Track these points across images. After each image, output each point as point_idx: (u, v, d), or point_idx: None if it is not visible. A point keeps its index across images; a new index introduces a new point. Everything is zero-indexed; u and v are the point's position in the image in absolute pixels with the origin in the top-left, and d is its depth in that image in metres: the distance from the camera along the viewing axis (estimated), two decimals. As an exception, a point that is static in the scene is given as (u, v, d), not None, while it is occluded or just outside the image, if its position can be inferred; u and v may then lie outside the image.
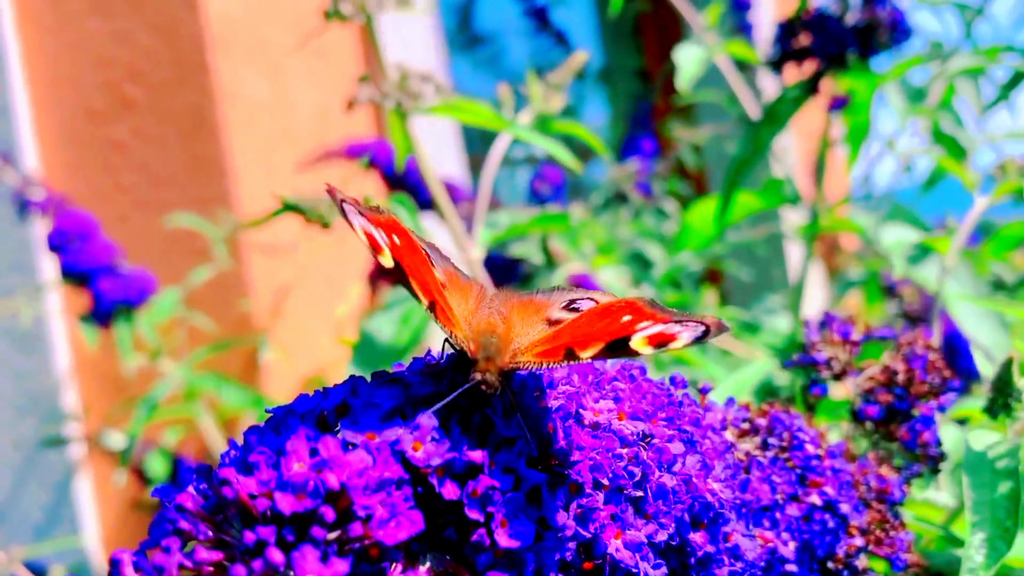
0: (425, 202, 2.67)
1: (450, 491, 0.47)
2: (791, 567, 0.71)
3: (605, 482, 0.54)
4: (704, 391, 0.82)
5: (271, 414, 0.50)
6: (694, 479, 0.60)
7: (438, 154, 2.99)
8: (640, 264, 2.99)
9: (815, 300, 3.18)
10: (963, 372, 1.67)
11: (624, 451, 0.57)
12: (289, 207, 1.38)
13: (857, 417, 0.90)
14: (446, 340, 0.54)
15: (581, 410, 0.57)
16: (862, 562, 0.80)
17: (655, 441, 0.59)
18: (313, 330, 2.81)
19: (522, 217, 1.76)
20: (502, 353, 0.52)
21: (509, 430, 0.50)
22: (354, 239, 0.58)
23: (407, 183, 2.72)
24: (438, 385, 0.51)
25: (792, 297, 2.10)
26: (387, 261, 0.54)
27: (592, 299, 0.58)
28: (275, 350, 2.64)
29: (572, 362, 0.51)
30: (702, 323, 0.50)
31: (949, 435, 1.19)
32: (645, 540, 0.55)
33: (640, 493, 0.57)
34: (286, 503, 0.42)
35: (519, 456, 0.50)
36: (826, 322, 0.96)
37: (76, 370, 2.72)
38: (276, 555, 0.40)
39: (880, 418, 0.89)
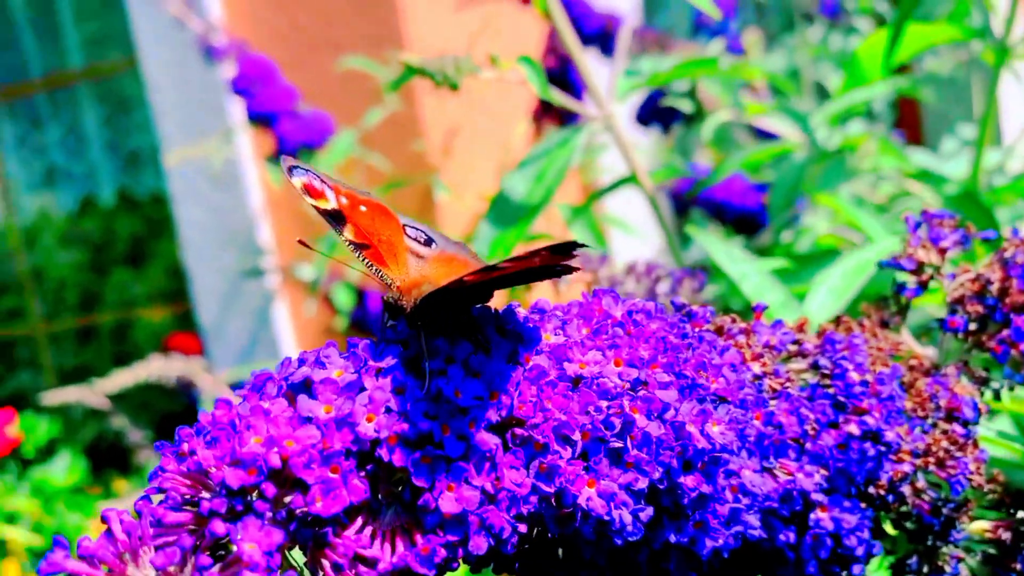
0: (587, 36, 2.59)
1: (399, 458, 0.51)
2: (817, 496, 0.71)
3: (575, 437, 0.56)
4: (757, 309, 0.80)
5: (253, 378, 0.55)
6: (688, 426, 0.60)
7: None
8: (821, 98, 2.80)
9: (1017, 126, 2.87)
10: None
11: (605, 404, 0.58)
12: (415, 72, 1.39)
13: (943, 327, 0.85)
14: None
15: (566, 363, 0.59)
16: (919, 483, 0.78)
17: (644, 391, 0.60)
18: (481, 167, 2.87)
19: (664, 64, 1.69)
20: (421, 285, 0.58)
21: (464, 398, 0.53)
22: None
23: (569, 15, 2.64)
24: (399, 355, 0.54)
25: (979, 134, 1.91)
26: (326, 205, 0.63)
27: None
28: (446, 188, 2.72)
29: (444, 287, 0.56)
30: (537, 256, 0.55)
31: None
32: (619, 490, 0.57)
33: (621, 444, 0.58)
34: (235, 478, 0.47)
35: (473, 423, 0.52)
36: (924, 221, 0.89)
37: (268, 207, 2.93)
38: (219, 527, 0.46)
39: (966, 329, 0.84)
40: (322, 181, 0.64)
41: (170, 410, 3.71)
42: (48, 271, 4.23)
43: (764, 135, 2.58)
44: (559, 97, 1.45)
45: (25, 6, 3.86)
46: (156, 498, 0.53)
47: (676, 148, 3.26)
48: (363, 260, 0.62)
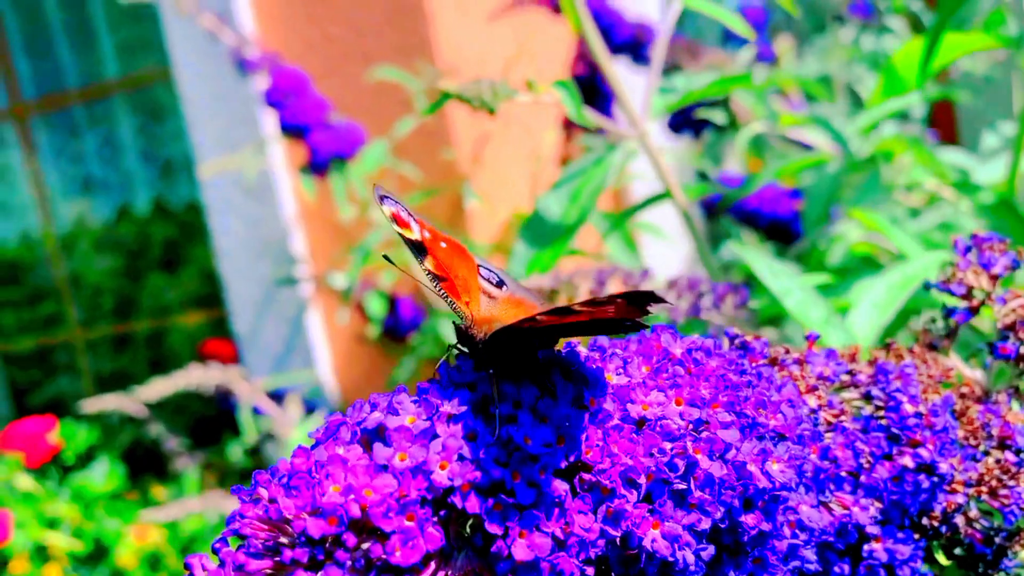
0: (618, 45, 2.59)
1: (472, 505, 0.52)
2: (872, 529, 0.71)
3: (641, 480, 0.57)
4: (811, 338, 0.80)
5: (327, 422, 0.56)
6: (749, 465, 0.61)
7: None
8: (854, 102, 2.79)
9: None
10: None
11: (669, 446, 0.59)
12: (451, 97, 1.40)
13: (994, 354, 0.85)
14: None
15: (630, 404, 0.60)
16: (971, 512, 0.78)
17: (706, 432, 0.61)
18: (512, 175, 2.88)
19: (698, 81, 1.69)
20: (492, 323, 0.61)
21: (534, 444, 0.54)
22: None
23: (599, 25, 2.65)
24: (469, 399, 0.55)
25: (1016, 140, 1.89)
26: (411, 235, 0.67)
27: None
28: (477, 196, 2.73)
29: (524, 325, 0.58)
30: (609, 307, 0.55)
31: None
32: (683, 531, 0.58)
33: (684, 485, 0.59)
34: (316, 528, 0.49)
35: (544, 469, 0.54)
36: (975, 245, 0.89)
37: (301, 217, 2.96)
38: (303, 577, 0.48)
39: (1017, 355, 0.84)
40: (408, 213, 0.69)
41: (204, 414, 3.76)
42: (85, 277, 4.29)
43: (797, 141, 2.57)
44: (593, 118, 1.46)
45: (59, 11, 3.92)
46: (233, 542, 0.54)
47: (706, 153, 3.25)
48: (440, 292, 0.66)
